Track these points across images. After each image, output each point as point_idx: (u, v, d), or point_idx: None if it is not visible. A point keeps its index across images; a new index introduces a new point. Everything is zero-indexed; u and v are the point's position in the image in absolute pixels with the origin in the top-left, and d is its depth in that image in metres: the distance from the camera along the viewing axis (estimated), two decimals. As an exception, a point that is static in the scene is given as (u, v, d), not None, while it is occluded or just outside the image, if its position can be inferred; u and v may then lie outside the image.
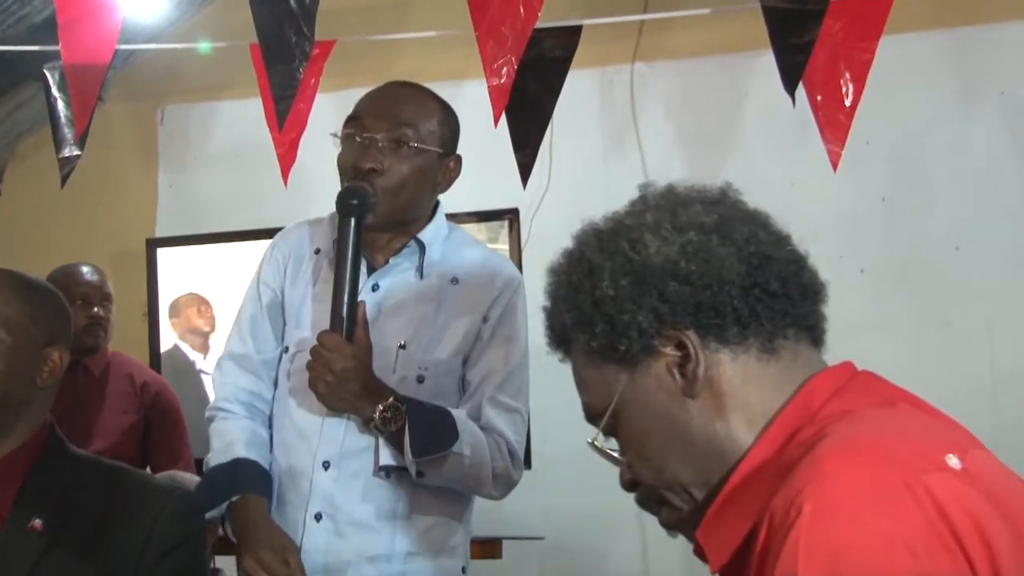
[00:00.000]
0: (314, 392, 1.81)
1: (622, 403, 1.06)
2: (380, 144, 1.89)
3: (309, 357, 1.81)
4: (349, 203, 1.85)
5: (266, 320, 2.01)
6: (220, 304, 3.66)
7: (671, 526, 1.08)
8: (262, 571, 1.80)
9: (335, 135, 1.97)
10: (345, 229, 1.83)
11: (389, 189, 1.89)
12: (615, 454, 1.10)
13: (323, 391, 1.79)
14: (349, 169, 1.91)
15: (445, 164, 1.97)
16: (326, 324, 1.84)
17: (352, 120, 1.94)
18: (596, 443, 1.09)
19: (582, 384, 1.11)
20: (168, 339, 3.78)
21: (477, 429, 1.87)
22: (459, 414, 1.86)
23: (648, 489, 1.08)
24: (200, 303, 3.74)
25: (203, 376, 3.62)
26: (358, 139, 1.90)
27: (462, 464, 1.84)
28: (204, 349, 3.71)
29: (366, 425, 1.84)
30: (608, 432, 1.09)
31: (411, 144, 1.90)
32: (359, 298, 1.85)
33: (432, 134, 1.94)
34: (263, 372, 1.99)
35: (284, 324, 2.01)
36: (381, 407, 1.79)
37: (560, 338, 1.14)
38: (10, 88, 4.01)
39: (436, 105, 1.98)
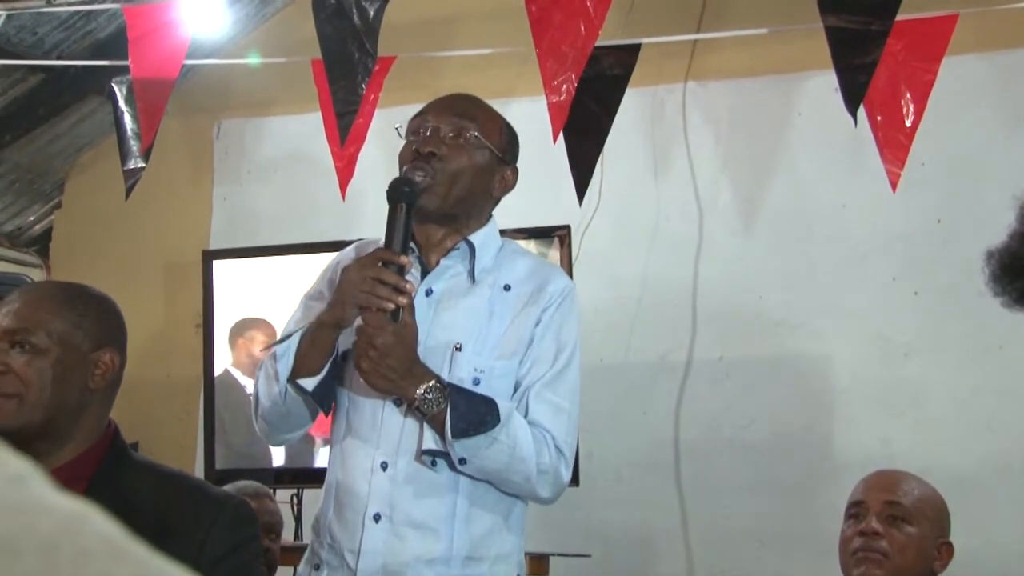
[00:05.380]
0: (358, 370, 1.83)
1: None
2: (442, 134, 1.95)
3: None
4: (400, 189, 1.88)
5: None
6: (277, 320, 3.63)
7: None
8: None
9: (399, 128, 2.02)
10: (395, 215, 1.87)
11: (447, 173, 1.92)
12: None
13: (366, 367, 1.81)
14: (409, 155, 1.96)
15: (502, 171, 2.02)
16: None
17: (418, 116, 2.01)
18: None
19: None
20: (221, 361, 3.66)
21: (524, 422, 1.88)
22: (505, 404, 1.87)
23: None
24: (267, 331, 3.60)
25: (254, 400, 3.60)
26: (422, 131, 1.96)
27: (505, 453, 1.84)
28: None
29: (410, 409, 1.85)
30: None
31: (473, 134, 1.96)
32: (408, 288, 1.87)
33: (493, 135, 2.00)
34: None
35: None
36: (423, 388, 1.81)
37: None
38: (74, 102, 4.09)
39: (499, 116, 2.06)
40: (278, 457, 3.59)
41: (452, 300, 1.96)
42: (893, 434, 3.38)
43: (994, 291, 0.98)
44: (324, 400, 1.93)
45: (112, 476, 1.73)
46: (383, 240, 1.90)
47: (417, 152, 1.94)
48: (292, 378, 1.88)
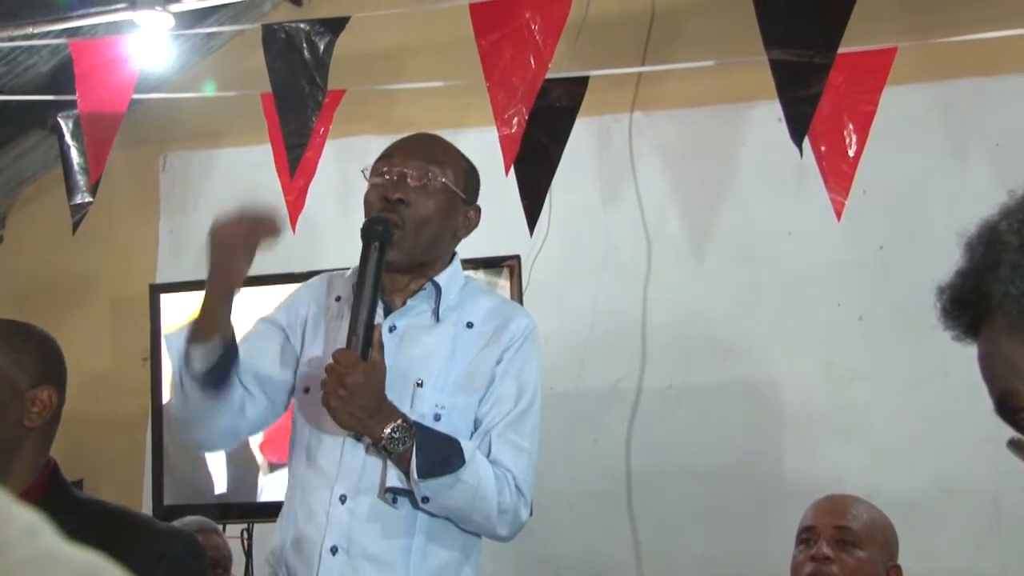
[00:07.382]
0: (326, 408, 1.83)
1: None
2: (409, 179, 1.97)
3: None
4: (375, 228, 1.91)
5: (263, 340, 2.03)
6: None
7: None
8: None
9: (364, 171, 2.04)
10: (369, 254, 1.88)
11: (415, 221, 1.95)
12: None
13: (335, 405, 1.82)
14: (377, 201, 1.97)
15: (466, 212, 2.06)
16: None
17: (383, 158, 2.03)
18: None
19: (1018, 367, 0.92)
20: (168, 397, 3.63)
21: (486, 461, 1.90)
22: (468, 444, 1.89)
23: None
24: None
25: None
26: (388, 175, 1.98)
27: (468, 493, 1.86)
28: None
29: (376, 448, 1.86)
30: None
31: (440, 180, 1.98)
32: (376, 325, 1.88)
33: (457, 178, 2.03)
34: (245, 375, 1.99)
35: (297, 362, 2.04)
36: (390, 427, 1.82)
37: (971, 312, 0.98)
38: (16, 136, 4.04)
39: (461, 156, 2.09)
40: (220, 488, 3.51)
41: (415, 337, 1.98)
42: (841, 459, 3.42)
43: (945, 325, 1.01)
44: (212, 379, 1.88)
45: (54, 515, 1.69)
46: (354, 275, 1.92)
47: (386, 199, 1.96)
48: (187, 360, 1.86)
